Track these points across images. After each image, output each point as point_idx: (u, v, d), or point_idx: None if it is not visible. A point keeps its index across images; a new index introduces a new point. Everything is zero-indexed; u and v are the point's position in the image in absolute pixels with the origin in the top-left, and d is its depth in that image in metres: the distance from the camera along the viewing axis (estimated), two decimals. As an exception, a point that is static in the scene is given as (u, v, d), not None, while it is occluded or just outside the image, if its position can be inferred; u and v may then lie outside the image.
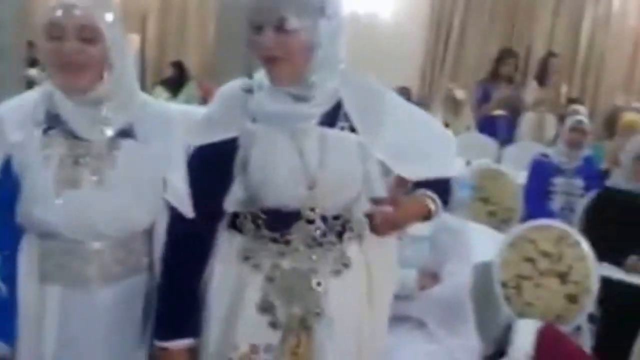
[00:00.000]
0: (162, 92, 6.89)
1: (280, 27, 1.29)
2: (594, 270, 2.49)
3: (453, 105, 6.12)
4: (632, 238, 2.92)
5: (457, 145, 5.76)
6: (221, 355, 1.39)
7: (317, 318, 1.37)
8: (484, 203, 3.77)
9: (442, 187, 1.49)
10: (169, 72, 7.52)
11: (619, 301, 2.67)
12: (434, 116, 1.74)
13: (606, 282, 2.87)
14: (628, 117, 4.92)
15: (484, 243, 2.58)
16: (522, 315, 2.43)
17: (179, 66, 7.45)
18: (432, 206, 1.45)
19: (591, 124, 4.57)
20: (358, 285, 1.43)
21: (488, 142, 5.45)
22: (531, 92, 5.93)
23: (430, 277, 2.07)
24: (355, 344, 1.43)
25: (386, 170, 1.43)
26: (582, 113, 4.91)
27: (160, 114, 1.49)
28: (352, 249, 1.42)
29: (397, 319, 2.04)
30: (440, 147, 1.53)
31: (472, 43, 7.49)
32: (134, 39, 7.72)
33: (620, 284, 2.81)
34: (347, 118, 1.39)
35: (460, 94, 6.16)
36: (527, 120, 5.87)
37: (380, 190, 1.40)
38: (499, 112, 5.91)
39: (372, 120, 1.40)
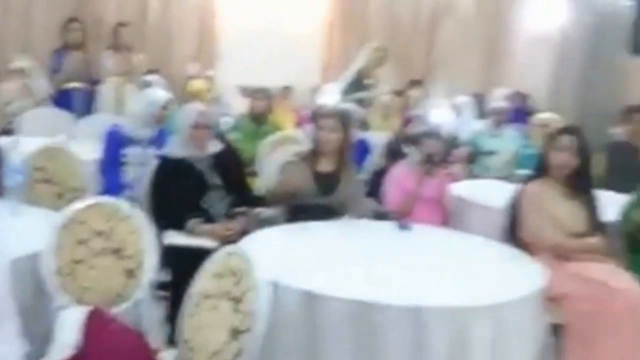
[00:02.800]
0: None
1: None
2: (148, 241, 2.44)
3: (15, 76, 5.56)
4: (189, 203, 3.02)
5: (28, 122, 5.18)
6: None
7: None
8: (49, 185, 3.46)
9: None
10: None
11: (187, 265, 2.73)
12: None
13: (173, 249, 2.92)
14: (194, 85, 5.17)
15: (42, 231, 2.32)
16: (80, 301, 2.27)
17: None
18: None
19: (169, 91, 4.63)
20: None
21: (62, 117, 5.12)
22: (106, 60, 5.78)
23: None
24: None
25: None
26: (156, 82, 4.96)
27: None
28: None
29: None
30: None
31: (40, 12, 6.93)
32: None
33: (185, 249, 2.88)
34: None
35: (21, 62, 5.60)
36: (105, 91, 5.69)
37: None
38: (74, 84, 5.61)
39: None
